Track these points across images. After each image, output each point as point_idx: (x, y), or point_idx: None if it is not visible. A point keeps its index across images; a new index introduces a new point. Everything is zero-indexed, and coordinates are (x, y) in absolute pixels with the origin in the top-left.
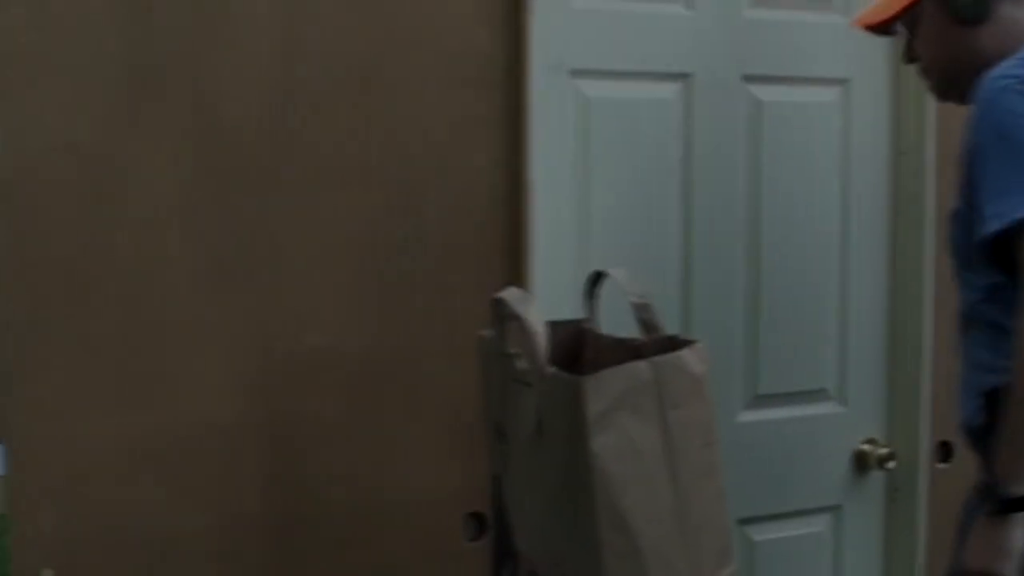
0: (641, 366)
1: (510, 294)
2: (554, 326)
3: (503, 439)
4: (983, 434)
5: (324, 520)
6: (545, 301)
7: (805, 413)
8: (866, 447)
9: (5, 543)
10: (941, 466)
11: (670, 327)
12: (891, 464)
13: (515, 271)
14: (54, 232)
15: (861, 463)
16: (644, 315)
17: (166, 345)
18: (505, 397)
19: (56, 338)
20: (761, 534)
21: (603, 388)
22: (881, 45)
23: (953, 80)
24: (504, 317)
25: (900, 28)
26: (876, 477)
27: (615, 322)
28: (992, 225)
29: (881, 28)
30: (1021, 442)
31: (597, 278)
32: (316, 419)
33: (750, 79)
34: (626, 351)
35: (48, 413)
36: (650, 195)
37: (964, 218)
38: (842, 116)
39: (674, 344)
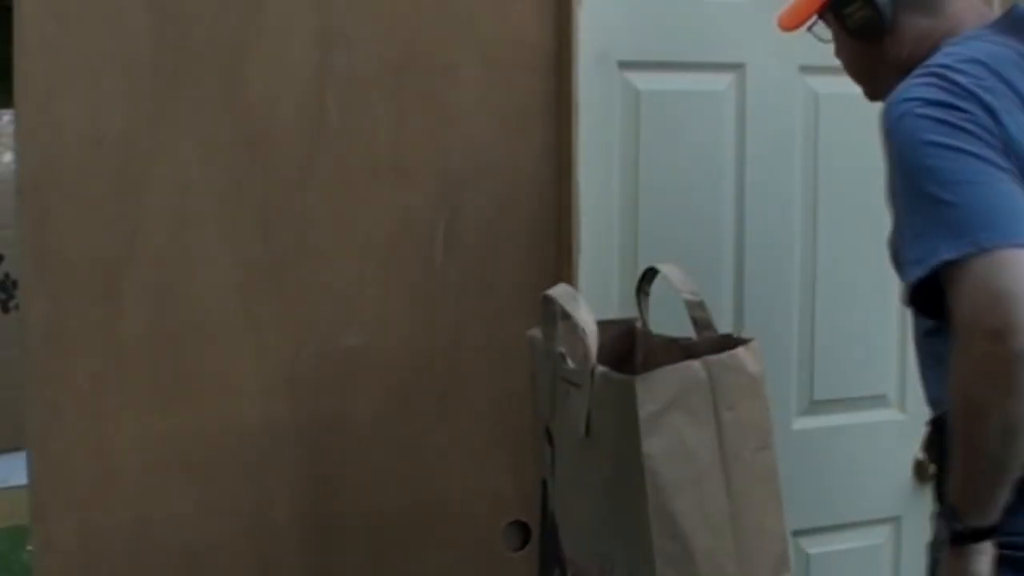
0: (694, 365)
1: (559, 291)
2: (604, 325)
3: (551, 441)
4: (935, 463)
5: (360, 527)
6: (592, 299)
7: (863, 420)
8: (925, 457)
9: (22, 556)
10: None
11: (722, 329)
12: None
13: (560, 268)
14: (80, 230)
15: (921, 473)
16: (697, 313)
17: (196, 346)
18: (554, 398)
19: (82, 339)
20: (816, 547)
21: (655, 388)
22: None
23: (874, 88)
24: (553, 315)
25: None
26: None
27: (666, 321)
28: (914, 272)
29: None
30: (969, 478)
31: (649, 275)
32: (352, 422)
33: (806, 70)
34: (678, 350)
35: (74, 418)
36: (701, 191)
37: (896, 250)
38: None
39: (728, 343)
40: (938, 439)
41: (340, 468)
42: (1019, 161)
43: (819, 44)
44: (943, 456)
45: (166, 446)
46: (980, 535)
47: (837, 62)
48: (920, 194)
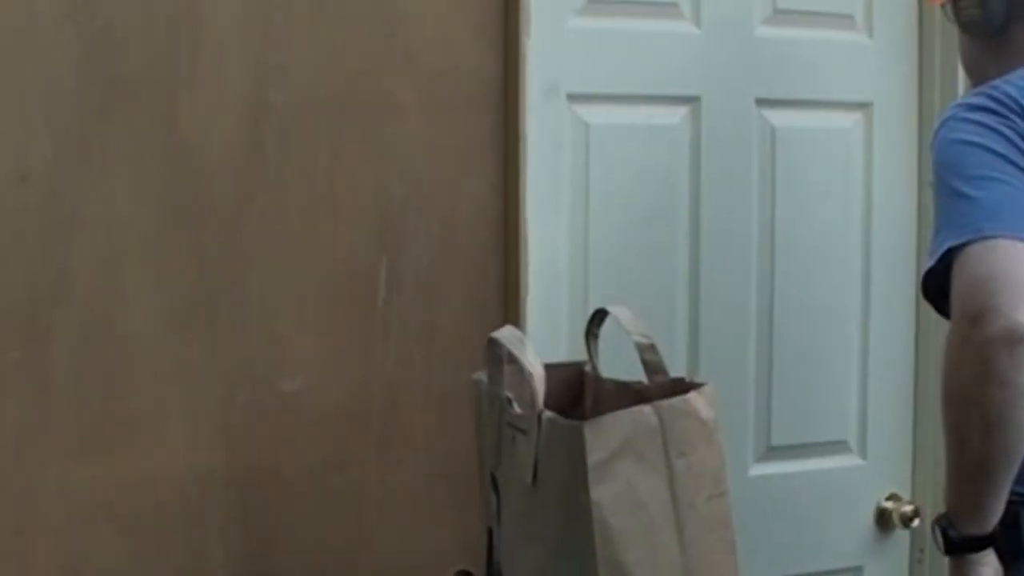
0: (645, 410)
1: (505, 334)
2: (552, 369)
3: (497, 489)
4: None
5: None
6: (541, 341)
7: (823, 466)
8: (889, 504)
9: None
10: None
11: (676, 372)
12: (916, 522)
13: (508, 310)
14: (5, 268)
15: (884, 521)
16: (648, 356)
17: (126, 391)
18: (499, 444)
19: (5, 382)
20: None
21: (604, 434)
22: (907, 66)
23: (976, 83)
24: (499, 359)
25: None
26: (900, 536)
27: (617, 364)
28: (927, 263)
29: None
30: (959, 478)
31: (598, 317)
32: (288, 470)
33: (763, 103)
34: (629, 395)
35: None
36: (655, 228)
37: None
38: (863, 143)
39: (681, 387)
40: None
41: (276, 519)
42: None
43: (776, 76)
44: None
45: (93, 495)
46: (977, 544)
47: (795, 95)
48: (945, 190)
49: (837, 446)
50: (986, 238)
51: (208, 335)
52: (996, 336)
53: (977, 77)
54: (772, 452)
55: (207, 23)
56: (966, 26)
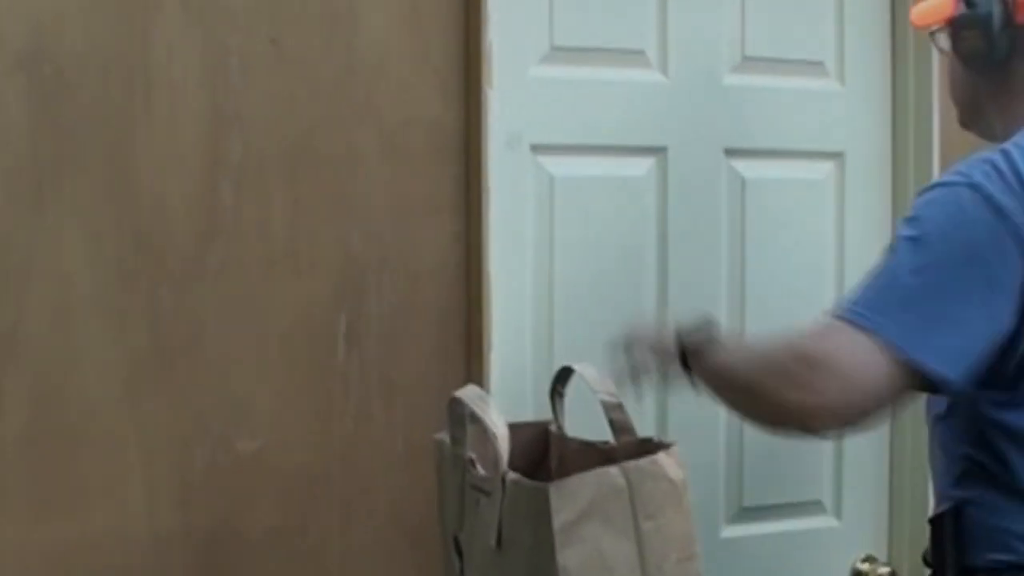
0: (612, 471)
1: (468, 393)
2: (516, 428)
3: (460, 553)
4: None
5: None
6: (505, 399)
7: (796, 527)
8: (864, 566)
9: None
10: None
11: (644, 431)
12: None
13: (470, 366)
14: None
15: None
16: (615, 415)
17: (79, 449)
18: (463, 507)
19: None
20: None
21: (570, 496)
22: (880, 114)
23: (968, 116)
24: (461, 418)
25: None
26: None
27: (583, 424)
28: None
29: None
30: (732, 388)
31: (563, 375)
32: (247, 532)
33: (732, 153)
34: (595, 455)
35: None
36: (622, 282)
37: None
38: (836, 194)
39: (648, 447)
40: (935, 538)
41: None
42: None
43: (744, 126)
44: (937, 557)
45: (46, 557)
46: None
47: (763, 144)
48: (895, 257)
49: (811, 507)
50: (862, 328)
51: (164, 393)
52: (813, 415)
53: (970, 113)
54: (744, 513)
55: (162, 72)
56: (966, 58)
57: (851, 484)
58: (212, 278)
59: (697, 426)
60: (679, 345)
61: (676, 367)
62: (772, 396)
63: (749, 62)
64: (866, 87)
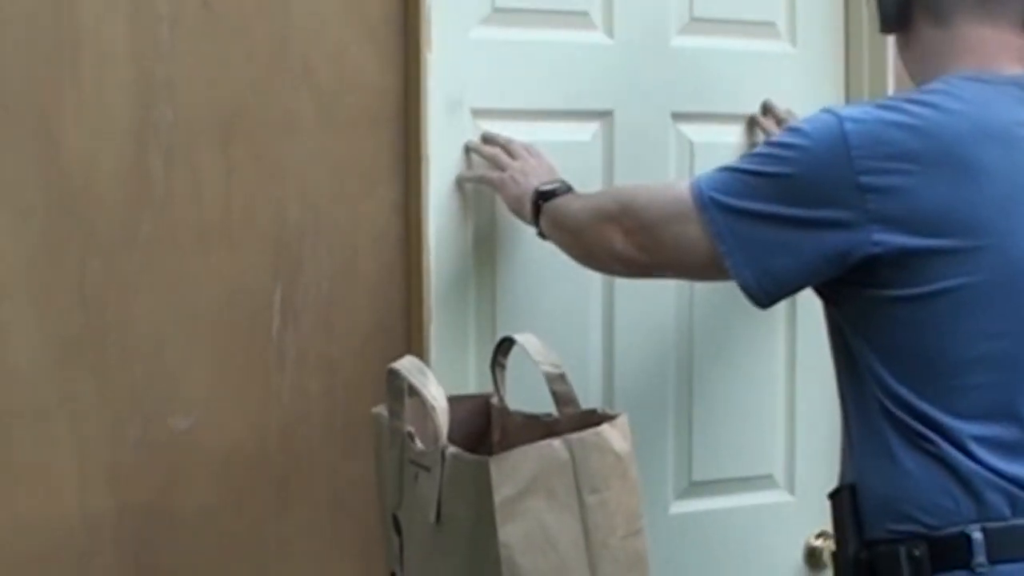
0: (555, 444)
1: (406, 364)
2: (457, 401)
3: (399, 530)
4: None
5: None
6: (446, 372)
7: (748, 503)
8: (819, 542)
9: None
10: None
11: (589, 403)
12: None
13: (410, 339)
14: None
15: (814, 560)
16: (558, 387)
17: (7, 429)
18: (401, 482)
19: None
20: None
21: (511, 470)
22: (833, 76)
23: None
24: (400, 391)
25: None
26: None
27: (528, 396)
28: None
29: None
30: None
31: (504, 345)
32: (181, 513)
33: (680, 117)
34: (538, 428)
35: None
36: None
37: None
38: None
39: (593, 419)
40: (836, 514)
41: (170, 563)
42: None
43: (692, 89)
44: (839, 532)
45: None
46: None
47: (712, 108)
48: (735, 168)
49: (763, 481)
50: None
51: (95, 369)
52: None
53: (907, 70)
54: (694, 488)
55: (90, 38)
56: (878, 22)
57: (804, 457)
58: (143, 249)
59: (644, 399)
60: (534, 192)
61: (528, 211)
62: (588, 235)
63: (697, 23)
64: (819, 48)
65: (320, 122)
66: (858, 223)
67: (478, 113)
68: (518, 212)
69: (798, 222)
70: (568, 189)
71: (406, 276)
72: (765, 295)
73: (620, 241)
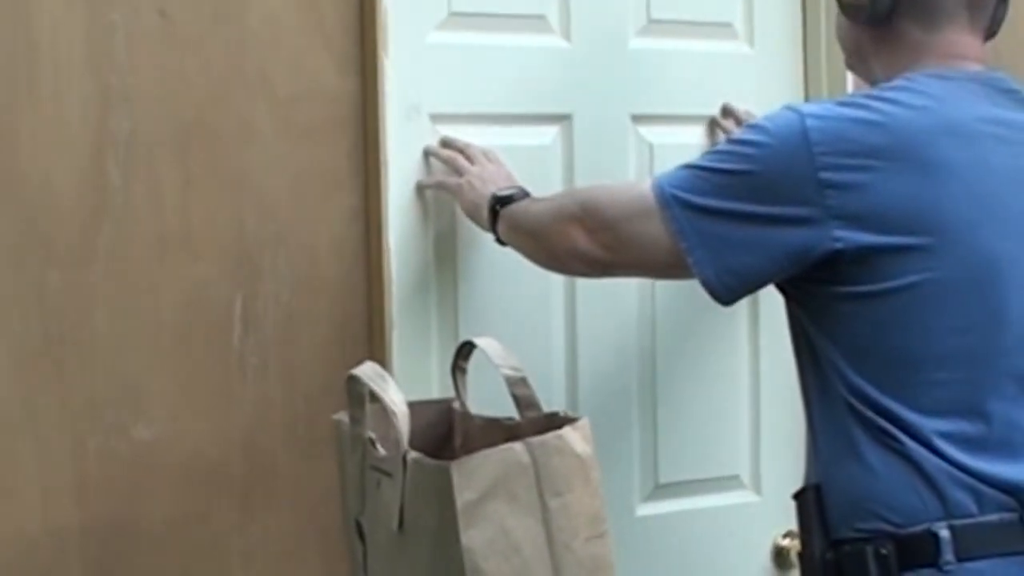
0: (516, 448)
1: (366, 370)
2: (418, 406)
3: (362, 536)
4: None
5: None
6: (408, 378)
7: (714, 504)
8: (786, 542)
9: None
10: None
11: (553, 407)
12: None
13: (372, 345)
14: None
15: (781, 560)
16: (519, 390)
17: None
18: (363, 489)
19: None
20: None
21: (473, 474)
22: (791, 76)
23: (853, 66)
24: (360, 397)
25: None
26: None
27: (489, 400)
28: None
29: None
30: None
31: (465, 350)
32: (145, 524)
33: (639, 119)
34: (500, 432)
35: None
36: None
37: None
38: None
39: (555, 422)
40: (801, 514)
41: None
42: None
43: (652, 91)
44: (804, 532)
45: None
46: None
47: (671, 110)
48: (696, 165)
49: (729, 481)
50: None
51: (55, 381)
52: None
53: (856, 59)
54: (660, 490)
55: (45, 48)
56: (848, 10)
57: (769, 458)
58: (102, 261)
59: (609, 402)
60: (492, 198)
61: (486, 216)
62: (550, 235)
63: (655, 25)
64: (777, 49)
65: (278, 130)
66: (819, 220)
67: (437, 118)
68: (475, 218)
69: (759, 219)
70: (525, 195)
71: (367, 283)
72: (727, 291)
73: (583, 240)
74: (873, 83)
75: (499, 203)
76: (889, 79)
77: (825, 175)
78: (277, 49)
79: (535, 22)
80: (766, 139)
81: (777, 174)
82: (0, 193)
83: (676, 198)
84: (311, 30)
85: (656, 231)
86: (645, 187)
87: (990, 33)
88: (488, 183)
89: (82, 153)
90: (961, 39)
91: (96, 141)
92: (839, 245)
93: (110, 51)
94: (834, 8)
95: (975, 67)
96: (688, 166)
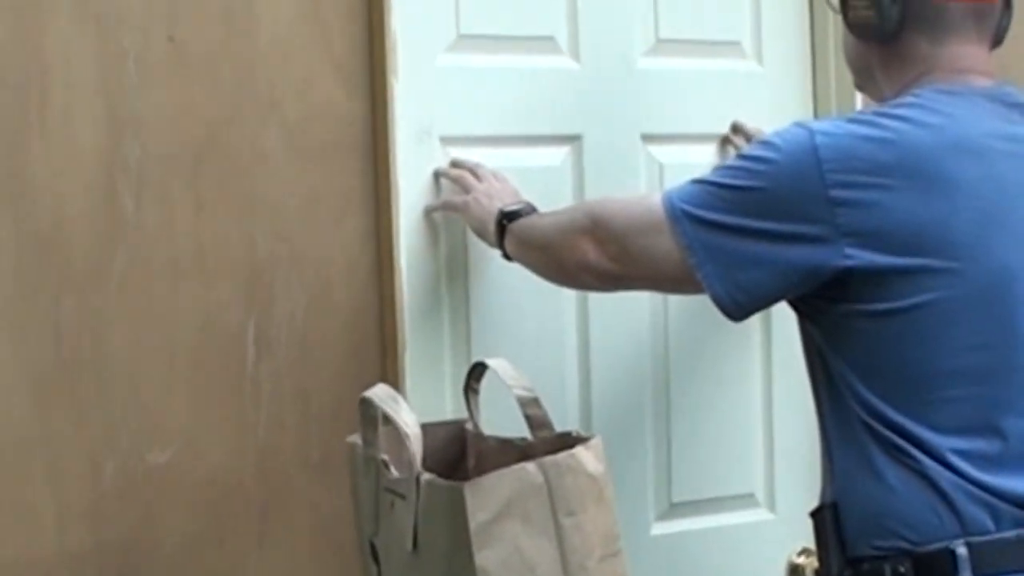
0: (529, 468)
1: (379, 392)
2: (431, 428)
3: (376, 558)
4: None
5: None
6: (422, 401)
7: (729, 522)
8: (801, 559)
9: None
10: None
11: (568, 426)
12: None
13: (386, 367)
14: None
15: None
16: (531, 411)
17: None
18: (377, 510)
19: None
20: None
21: (486, 495)
22: (800, 94)
23: (861, 83)
24: (373, 420)
25: None
26: None
27: (502, 421)
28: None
29: None
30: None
31: (477, 371)
32: (161, 548)
33: (649, 139)
34: (513, 452)
35: None
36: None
37: None
38: None
39: (567, 442)
40: (818, 532)
41: None
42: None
43: (661, 111)
44: (821, 550)
45: None
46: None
47: (681, 129)
48: (706, 180)
49: (744, 500)
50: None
51: (70, 406)
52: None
53: (863, 78)
54: (674, 509)
55: (57, 75)
56: (855, 28)
57: (783, 475)
58: (116, 286)
59: (622, 421)
60: (499, 213)
61: (493, 231)
62: (559, 248)
63: (663, 44)
64: (785, 67)
65: (289, 153)
66: (829, 238)
67: (447, 140)
68: (482, 234)
69: (769, 236)
70: (533, 210)
71: (379, 305)
72: (737, 308)
73: (593, 252)
74: (882, 101)
75: (506, 218)
76: (897, 95)
77: (835, 193)
78: (287, 72)
79: (544, 43)
80: (776, 156)
81: (787, 191)
82: (13, 218)
83: (686, 213)
84: (320, 53)
85: (666, 245)
86: (655, 201)
87: (995, 42)
88: (495, 199)
89: (94, 178)
90: (968, 51)
91: (108, 166)
92: (850, 263)
93: (120, 76)
94: (843, 25)
95: (983, 80)
96: (698, 181)
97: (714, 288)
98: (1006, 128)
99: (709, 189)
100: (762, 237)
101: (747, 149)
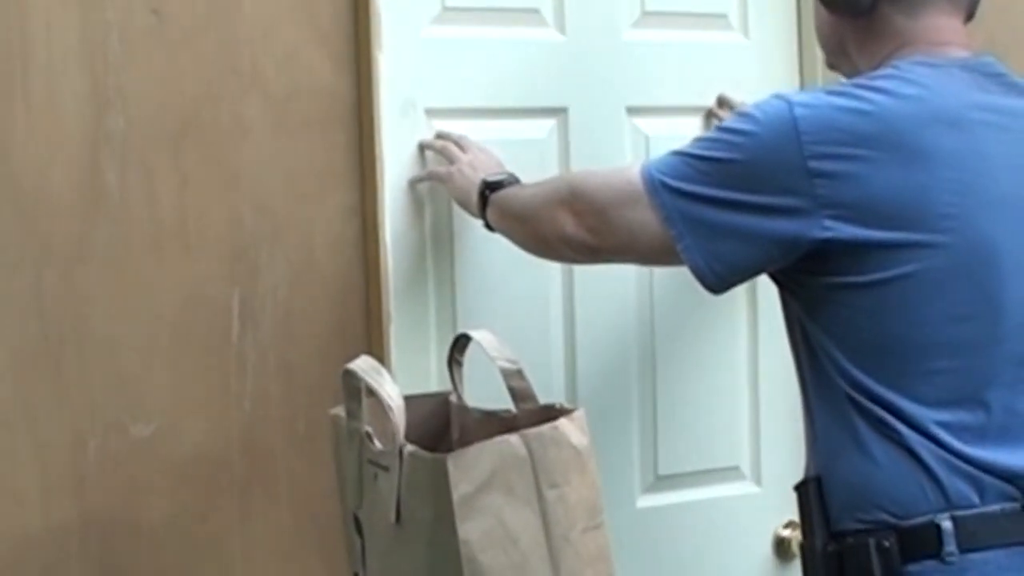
0: (512, 440)
1: (362, 364)
2: (414, 400)
3: (360, 530)
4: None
5: None
6: (407, 373)
7: (715, 495)
8: (787, 532)
9: None
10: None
11: (554, 398)
12: None
13: (371, 340)
14: None
15: (783, 551)
16: (515, 383)
17: None
18: (361, 483)
19: None
20: None
21: (469, 467)
22: (786, 66)
23: (836, 62)
24: (356, 391)
25: None
26: (800, 567)
27: (487, 393)
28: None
29: None
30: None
31: (460, 342)
32: (145, 521)
33: (635, 111)
34: (496, 424)
35: None
36: None
37: None
38: None
39: (551, 414)
40: (802, 506)
41: (135, 574)
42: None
43: (647, 84)
44: (805, 524)
45: None
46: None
47: (667, 101)
48: (685, 152)
49: (729, 473)
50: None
51: (54, 379)
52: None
53: (836, 55)
54: (660, 482)
55: (39, 48)
56: (829, 3)
57: (769, 448)
58: (99, 260)
59: (608, 393)
60: (481, 183)
61: (475, 202)
62: (539, 219)
63: (649, 16)
64: (771, 39)
65: (273, 126)
66: (808, 210)
67: (432, 113)
68: (465, 205)
69: (747, 207)
70: (515, 181)
71: (364, 278)
72: (716, 279)
73: (571, 224)
74: (839, 71)
75: (489, 188)
76: (874, 70)
77: (814, 164)
78: (271, 46)
79: (529, 16)
80: (755, 128)
81: (766, 163)
82: None
83: (664, 184)
84: (304, 25)
85: (645, 217)
86: (634, 172)
87: (968, 15)
88: (479, 170)
89: (77, 152)
90: (943, 23)
91: (91, 140)
92: (829, 235)
93: (104, 50)
94: (815, 1)
95: (960, 52)
96: (677, 152)
97: (694, 260)
98: (985, 99)
99: (688, 161)
100: (741, 209)
101: (727, 121)
